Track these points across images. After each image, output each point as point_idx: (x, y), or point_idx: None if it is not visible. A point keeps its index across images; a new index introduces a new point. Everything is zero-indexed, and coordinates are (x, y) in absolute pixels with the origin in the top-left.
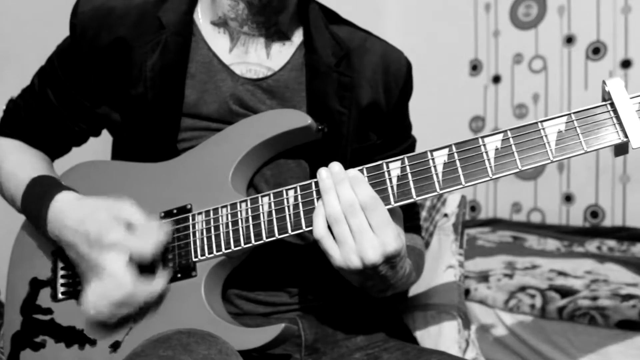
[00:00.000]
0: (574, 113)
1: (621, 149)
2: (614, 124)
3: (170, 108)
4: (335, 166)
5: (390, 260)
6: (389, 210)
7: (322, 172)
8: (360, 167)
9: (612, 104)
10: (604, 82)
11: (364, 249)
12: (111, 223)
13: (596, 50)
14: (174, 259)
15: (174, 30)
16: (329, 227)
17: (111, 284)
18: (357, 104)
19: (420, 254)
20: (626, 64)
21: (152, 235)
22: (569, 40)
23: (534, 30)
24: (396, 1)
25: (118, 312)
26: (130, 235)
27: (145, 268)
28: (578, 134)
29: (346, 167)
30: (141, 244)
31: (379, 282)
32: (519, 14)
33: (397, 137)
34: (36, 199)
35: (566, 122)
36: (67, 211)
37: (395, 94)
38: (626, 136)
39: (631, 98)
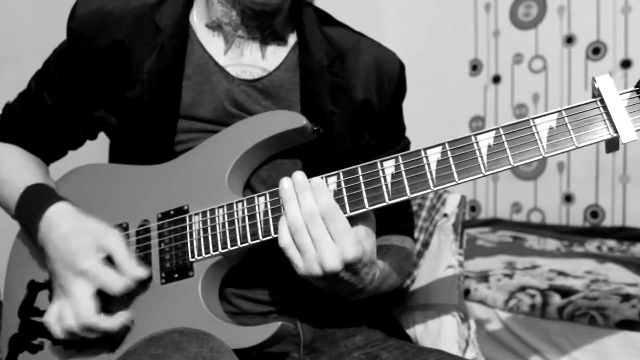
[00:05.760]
0: (564, 110)
1: (612, 145)
2: (604, 120)
3: (167, 109)
4: (298, 175)
5: (351, 267)
6: (362, 215)
7: (284, 182)
8: (354, 166)
9: (601, 100)
10: (593, 79)
11: (323, 257)
12: (91, 251)
13: (596, 50)
14: (171, 259)
15: (170, 33)
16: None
17: (70, 310)
18: (350, 104)
19: (407, 256)
20: (626, 64)
21: (125, 274)
22: (569, 40)
23: (534, 30)
24: (396, 1)
25: (70, 338)
26: (105, 268)
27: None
28: (569, 130)
29: (338, 167)
30: (112, 281)
31: (345, 288)
32: (519, 14)
33: (391, 138)
34: (30, 208)
35: (557, 119)
36: (56, 224)
37: (388, 95)
38: (616, 131)
39: (620, 94)
